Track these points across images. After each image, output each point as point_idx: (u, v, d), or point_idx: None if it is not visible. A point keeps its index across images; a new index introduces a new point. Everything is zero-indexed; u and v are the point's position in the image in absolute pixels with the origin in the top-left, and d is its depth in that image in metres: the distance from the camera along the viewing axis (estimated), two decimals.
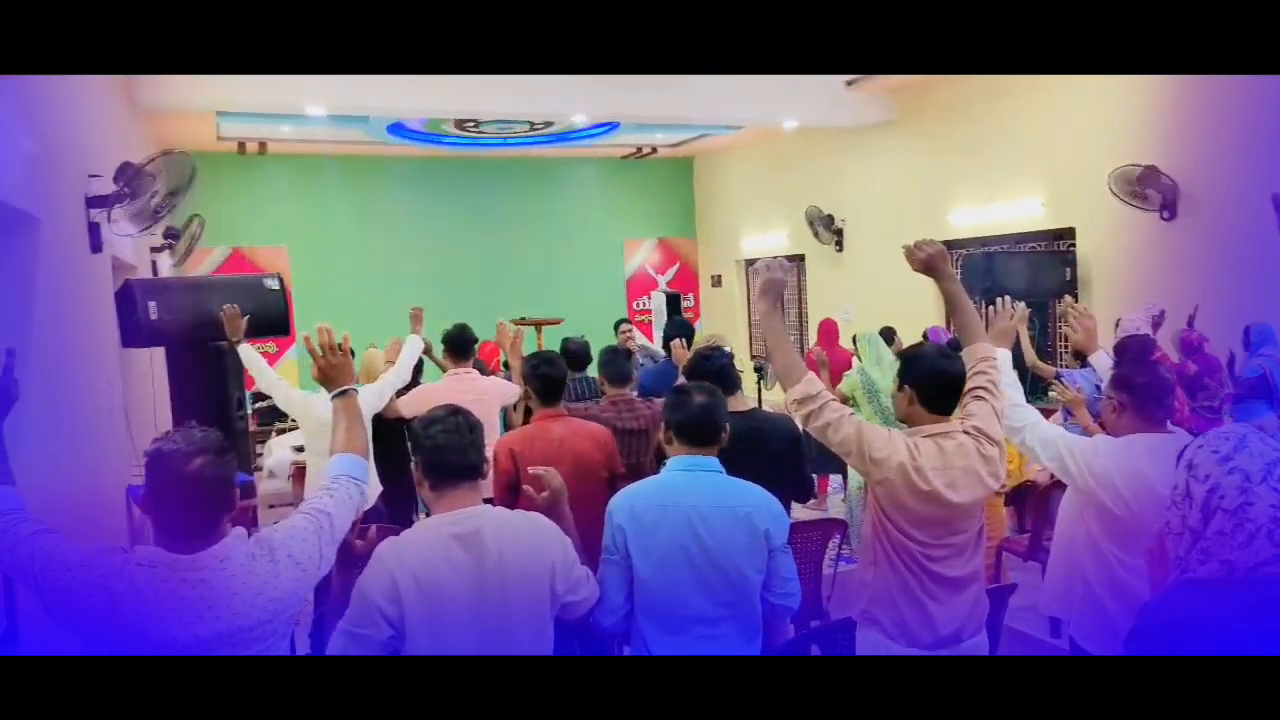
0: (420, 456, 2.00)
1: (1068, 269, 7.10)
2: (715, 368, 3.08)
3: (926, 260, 2.52)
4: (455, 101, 7.68)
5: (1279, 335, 5.19)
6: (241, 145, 9.89)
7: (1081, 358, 5.31)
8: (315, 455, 4.58)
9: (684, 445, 2.35)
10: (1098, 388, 4.62)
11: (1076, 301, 6.67)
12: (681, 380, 3.98)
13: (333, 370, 2.16)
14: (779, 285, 2.48)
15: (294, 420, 8.03)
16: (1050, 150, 7.32)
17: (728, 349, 3.62)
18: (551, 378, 3.27)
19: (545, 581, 1.98)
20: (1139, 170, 6.38)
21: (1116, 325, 5.31)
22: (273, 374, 4.43)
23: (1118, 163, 6.48)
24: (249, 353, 4.37)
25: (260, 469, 7.36)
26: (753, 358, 10.89)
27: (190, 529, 1.71)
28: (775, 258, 2.55)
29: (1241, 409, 5.15)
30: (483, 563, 1.91)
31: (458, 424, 2.00)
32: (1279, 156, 5.68)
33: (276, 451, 7.48)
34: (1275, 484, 1.41)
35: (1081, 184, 6.95)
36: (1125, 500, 2.40)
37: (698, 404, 2.34)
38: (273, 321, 5.21)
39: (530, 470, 2.27)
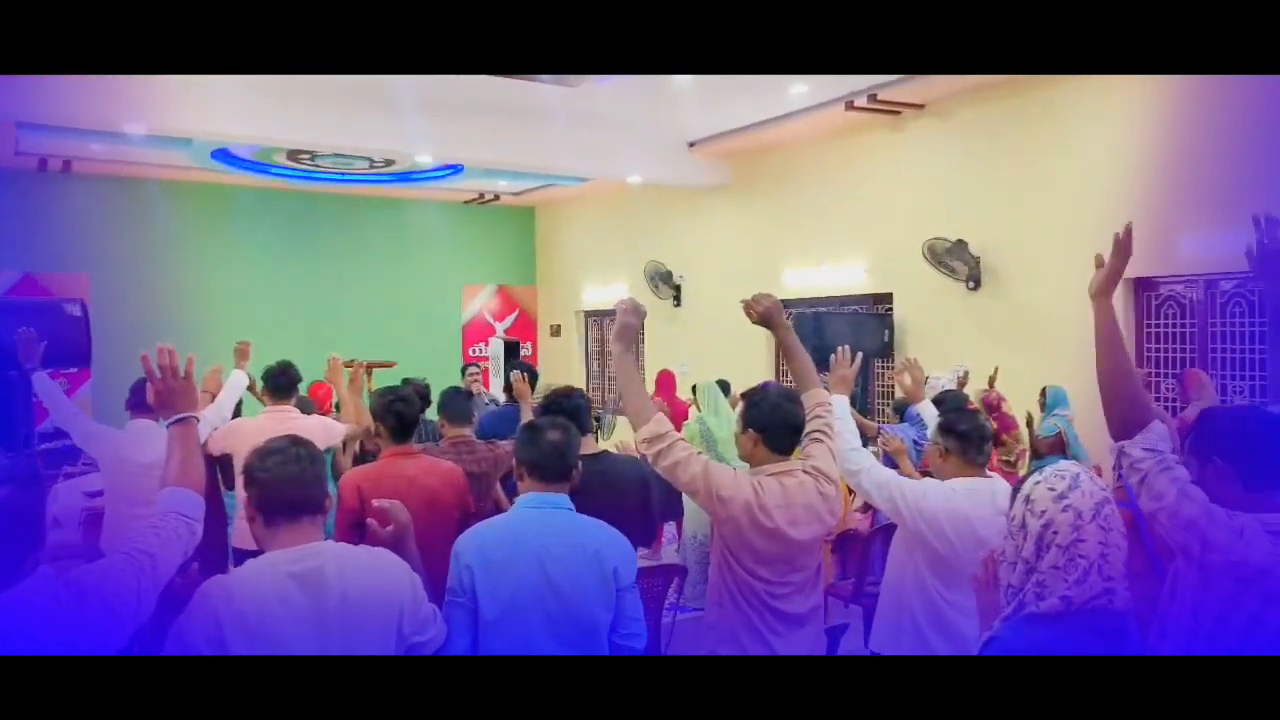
0: (254, 491, 1.85)
1: (886, 330, 7.61)
2: (571, 407, 3.06)
3: (763, 312, 2.65)
4: (293, 131, 7.37)
5: (1069, 398, 5.75)
6: (43, 161, 9.06)
7: (901, 413, 5.69)
8: (116, 500, 4.18)
9: (535, 482, 2.31)
10: (915, 443, 4.95)
11: (894, 360, 7.15)
12: (526, 413, 3.93)
13: (172, 395, 1.97)
14: (633, 330, 2.52)
15: (84, 463, 7.34)
16: (872, 221, 7.88)
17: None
18: (406, 415, 3.16)
19: (392, 623, 1.87)
20: (948, 244, 6.97)
21: (925, 383, 5.72)
22: (71, 406, 4.02)
23: (931, 235, 7.06)
24: (45, 382, 3.95)
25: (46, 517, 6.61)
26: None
27: None
28: (633, 300, 2.59)
29: (1039, 465, 5.64)
30: (323, 605, 1.78)
31: (297, 455, 1.87)
32: (1070, 240, 6.36)
33: (63, 498, 6.74)
34: (1103, 522, 1.54)
35: (899, 253, 7.51)
36: (949, 539, 2.56)
37: (549, 440, 2.31)
38: (72, 350, 4.76)
39: (375, 503, 2.15)
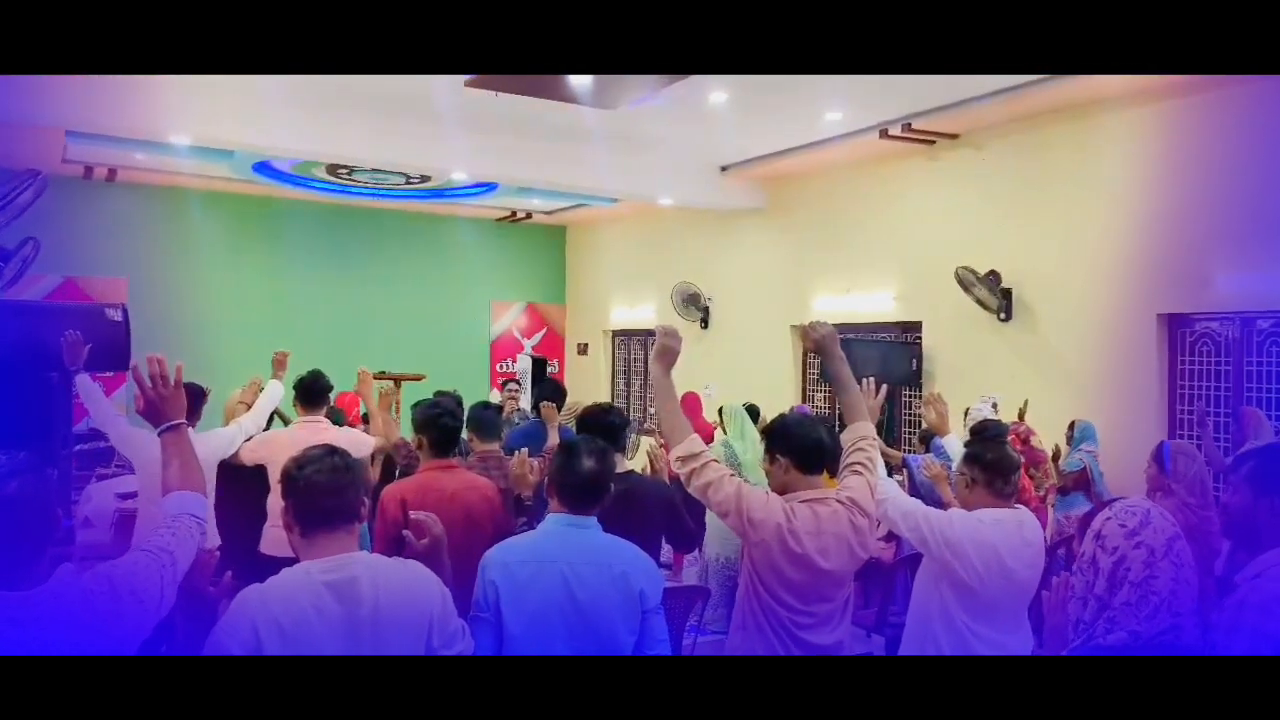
0: (292, 499, 1.87)
1: (914, 359, 7.57)
2: (606, 425, 3.09)
3: (819, 340, 2.67)
4: (333, 146, 7.50)
5: (1098, 433, 5.69)
6: (89, 169, 9.28)
7: (926, 443, 5.66)
8: (149, 502, 4.24)
9: (565, 506, 2.32)
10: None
11: (922, 389, 7.12)
12: (553, 437, 3.94)
13: (162, 403, 2.02)
14: (673, 352, 2.55)
15: (118, 464, 7.45)
16: (903, 249, 7.86)
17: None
18: (451, 429, 3.19)
19: (422, 635, 1.88)
20: (980, 275, 6.94)
21: (966, 414, 5.70)
22: (111, 408, 4.11)
23: (963, 266, 7.03)
24: (87, 384, 4.04)
25: (77, 517, 6.70)
26: None
27: (13, 563, 1.54)
28: (673, 326, 2.64)
29: (1063, 500, 5.58)
30: (356, 613, 1.80)
31: (334, 464, 1.89)
32: (1103, 276, 6.32)
33: (96, 498, 6.85)
34: (1175, 559, 1.53)
35: (930, 283, 7.48)
36: (977, 569, 2.55)
37: (587, 469, 2.31)
38: (112, 354, 4.83)
39: (412, 515, 2.19)
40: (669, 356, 2.54)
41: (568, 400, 5.52)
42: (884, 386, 3.03)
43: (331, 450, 1.95)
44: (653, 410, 10.65)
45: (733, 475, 2.42)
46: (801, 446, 2.46)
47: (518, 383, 7.29)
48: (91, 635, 1.55)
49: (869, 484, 2.51)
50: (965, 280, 6.97)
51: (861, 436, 2.59)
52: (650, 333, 10.88)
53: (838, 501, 2.43)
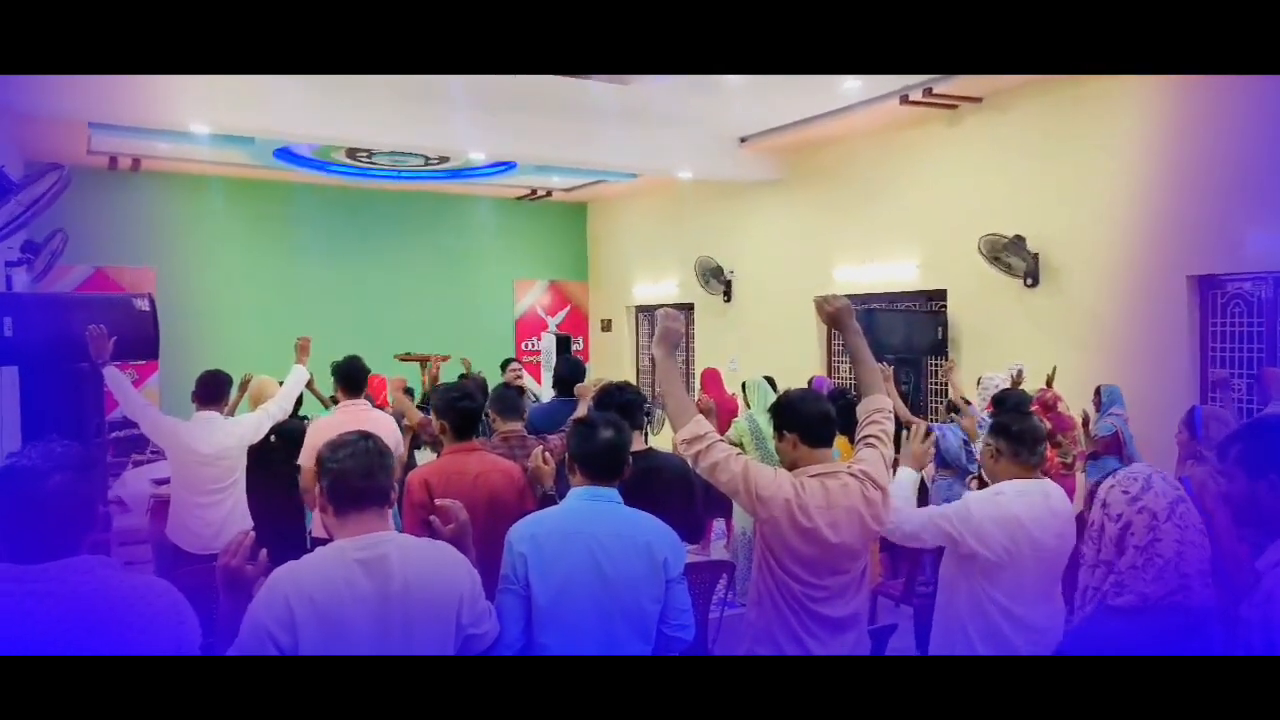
0: (325, 481, 1.93)
1: (939, 328, 7.50)
2: (623, 402, 3.11)
3: (834, 314, 2.65)
4: (351, 130, 7.53)
5: (1124, 397, 5.62)
6: (113, 160, 9.38)
7: (952, 413, 5.62)
8: (180, 487, 4.33)
9: (586, 478, 2.37)
10: (965, 441, 4.89)
11: (948, 358, 7.06)
12: (582, 411, 3.97)
13: (237, 573, 1.87)
14: (676, 334, 2.55)
15: (153, 450, 7.60)
16: (926, 216, 7.76)
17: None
18: (470, 411, 3.22)
19: (451, 611, 1.94)
20: (1005, 240, 6.84)
21: (979, 383, 5.64)
22: (139, 398, 4.18)
23: (987, 231, 6.93)
24: (115, 375, 4.11)
25: (114, 501, 6.85)
26: None
27: (43, 548, 1.59)
28: (673, 309, 2.64)
29: (1095, 465, 5.52)
30: (387, 590, 1.86)
31: (366, 448, 1.95)
32: (1130, 237, 6.21)
33: (131, 484, 6.99)
34: (1178, 521, 1.54)
35: (953, 249, 7.39)
36: (1004, 546, 2.52)
37: (603, 438, 2.38)
38: (140, 344, 4.91)
39: (437, 501, 2.24)
40: (671, 338, 2.54)
41: (589, 378, 5.54)
42: (891, 367, 3.02)
43: (365, 435, 2.01)
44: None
45: (739, 454, 2.42)
46: (806, 421, 2.45)
47: (519, 362, 7.26)
48: (106, 610, 1.58)
49: (883, 456, 2.49)
50: (991, 248, 6.88)
51: (877, 409, 2.57)
52: (678, 313, 10.85)
53: (850, 475, 2.41)
